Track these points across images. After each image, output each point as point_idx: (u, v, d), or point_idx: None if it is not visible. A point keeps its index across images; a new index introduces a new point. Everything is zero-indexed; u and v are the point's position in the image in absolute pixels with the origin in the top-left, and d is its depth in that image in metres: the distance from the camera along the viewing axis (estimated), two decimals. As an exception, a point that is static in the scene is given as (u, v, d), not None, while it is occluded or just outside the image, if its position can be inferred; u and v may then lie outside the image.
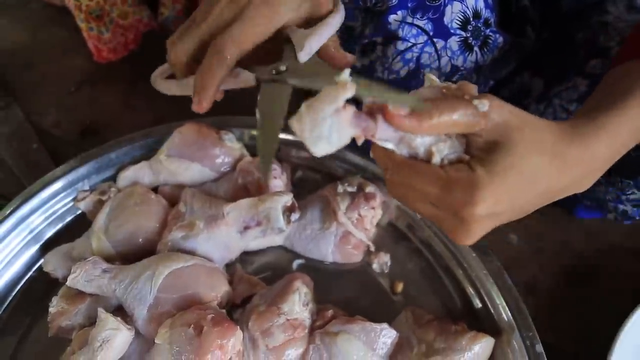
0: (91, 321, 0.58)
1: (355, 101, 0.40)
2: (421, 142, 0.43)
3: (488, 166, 0.42)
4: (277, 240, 0.67)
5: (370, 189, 0.66)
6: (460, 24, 0.62)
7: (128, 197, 0.66)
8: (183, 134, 0.69)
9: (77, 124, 0.85)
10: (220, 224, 0.61)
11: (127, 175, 0.70)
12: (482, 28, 0.63)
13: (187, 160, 0.68)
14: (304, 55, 0.50)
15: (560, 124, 0.45)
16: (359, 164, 0.71)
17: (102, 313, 0.55)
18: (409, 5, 0.61)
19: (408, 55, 0.63)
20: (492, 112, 0.42)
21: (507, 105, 0.43)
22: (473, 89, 0.44)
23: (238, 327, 0.54)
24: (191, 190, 0.66)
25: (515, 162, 0.42)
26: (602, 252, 0.75)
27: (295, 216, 0.62)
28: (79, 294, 0.60)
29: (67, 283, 0.59)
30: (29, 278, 0.67)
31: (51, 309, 0.60)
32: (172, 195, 0.68)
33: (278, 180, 0.67)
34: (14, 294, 0.66)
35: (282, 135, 0.73)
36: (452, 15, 0.61)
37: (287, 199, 0.61)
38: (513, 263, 0.72)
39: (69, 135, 0.84)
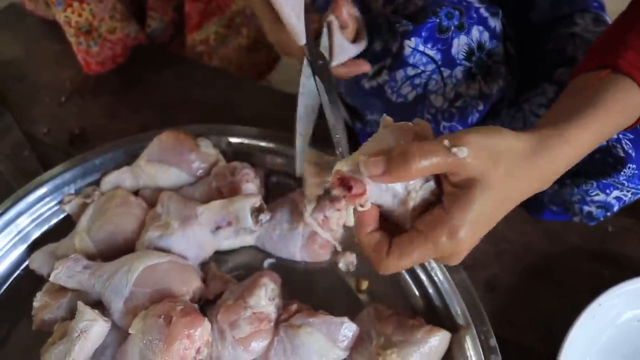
0: (72, 314, 0.60)
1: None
2: (401, 187, 0.46)
3: (464, 205, 0.44)
4: (249, 240, 0.70)
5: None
6: (465, 55, 0.66)
7: (110, 200, 0.70)
8: (162, 140, 0.73)
9: (67, 132, 0.88)
10: (193, 223, 0.65)
11: (110, 180, 0.73)
12: (484, 59, 0.67)
13: (166, 165, 0.72)
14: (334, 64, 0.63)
15: (527, 139, 0.47)
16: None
17: (80, 306, 0.59)
18: (423, 34, 0.64)
19: (417, 81, 0.67)
20: (469, 157, 0.43)
21: (484, 144, 0.44)
22: (428, 127, 0.47)
23: (205, 318, 0.57)
24: (168, 193, 0.70)
25: (492, 195, 0.44)
26: (562, 252, 0.77)
27: (263, 217, 0.65)
28: (61, 289, 0.63)
29: (50, 279, 0.62)
30: (16, 276, 0.70)
31: (35, 303, 0.63)
32: (152, 198, 0.71)
33: (250, 184, 0.70)
34: (2, 290, 0.69)
35: (258, 142, 0.78)
36: (459, 47, 0.65)
37: (255, 200, 0.64)
38: (476, 263, 0.75)
39: (58, 143, 0.87)
